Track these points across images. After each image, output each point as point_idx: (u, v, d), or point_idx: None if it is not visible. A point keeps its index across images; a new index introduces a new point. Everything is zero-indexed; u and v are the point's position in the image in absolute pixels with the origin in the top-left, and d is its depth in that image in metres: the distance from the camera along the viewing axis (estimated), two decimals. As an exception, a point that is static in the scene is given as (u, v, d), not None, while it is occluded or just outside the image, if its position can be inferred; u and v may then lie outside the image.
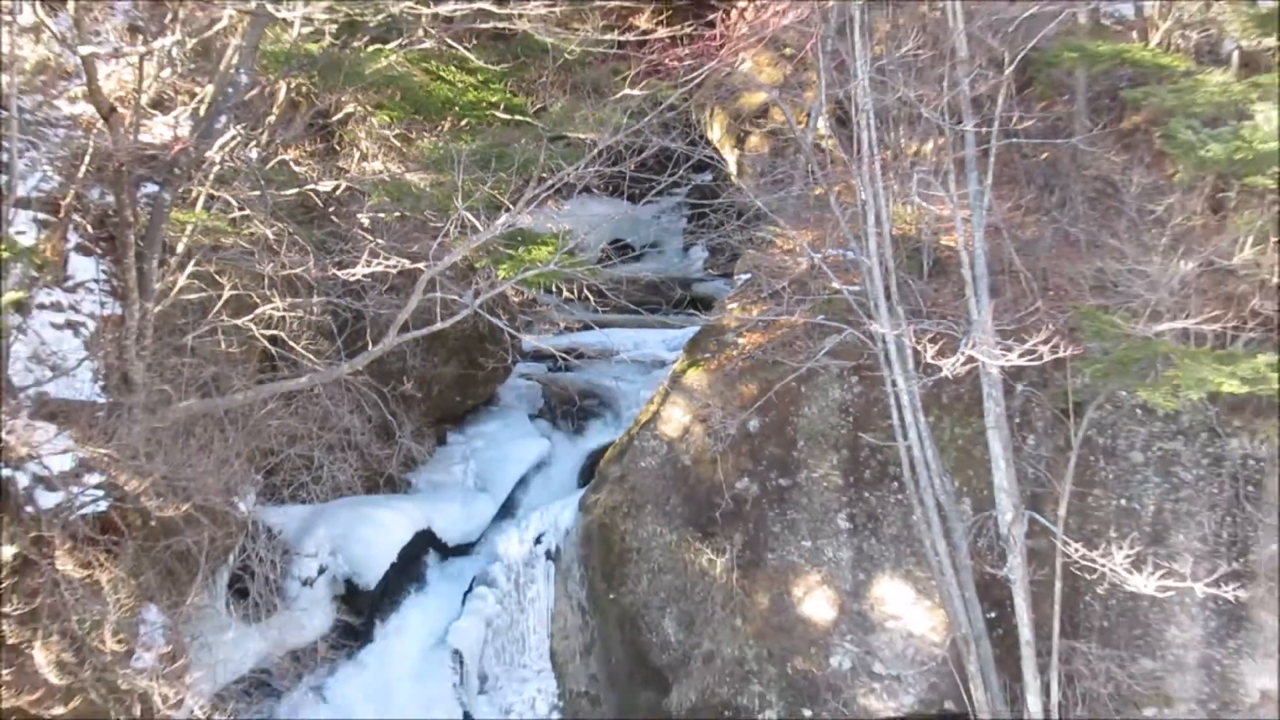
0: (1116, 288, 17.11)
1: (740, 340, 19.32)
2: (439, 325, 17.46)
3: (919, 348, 16.76)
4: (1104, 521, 17.53)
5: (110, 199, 17.15)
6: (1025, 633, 17.05)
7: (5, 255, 14.89)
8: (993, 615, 17.43)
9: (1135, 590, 16.57)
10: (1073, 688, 17.51)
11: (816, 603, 18.38)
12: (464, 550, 20.40)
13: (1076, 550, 16.79)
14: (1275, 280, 17.58)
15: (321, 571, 19.35)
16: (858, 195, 17.21)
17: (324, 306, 17.57)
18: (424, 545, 20.13)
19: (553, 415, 22.46)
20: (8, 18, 15.83)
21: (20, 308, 16.10)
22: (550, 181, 17.80)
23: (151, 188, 17.02)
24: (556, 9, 17.61)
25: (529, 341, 20.85)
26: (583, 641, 19.48)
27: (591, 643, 19.48)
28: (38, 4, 16.78)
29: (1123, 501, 17.71)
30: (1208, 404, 17.04)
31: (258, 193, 17.60)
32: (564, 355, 22.76)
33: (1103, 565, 16.59)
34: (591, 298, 19.59)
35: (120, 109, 16.82)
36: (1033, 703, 17.13)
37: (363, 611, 19.56)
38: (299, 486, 19.37)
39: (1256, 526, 17.49)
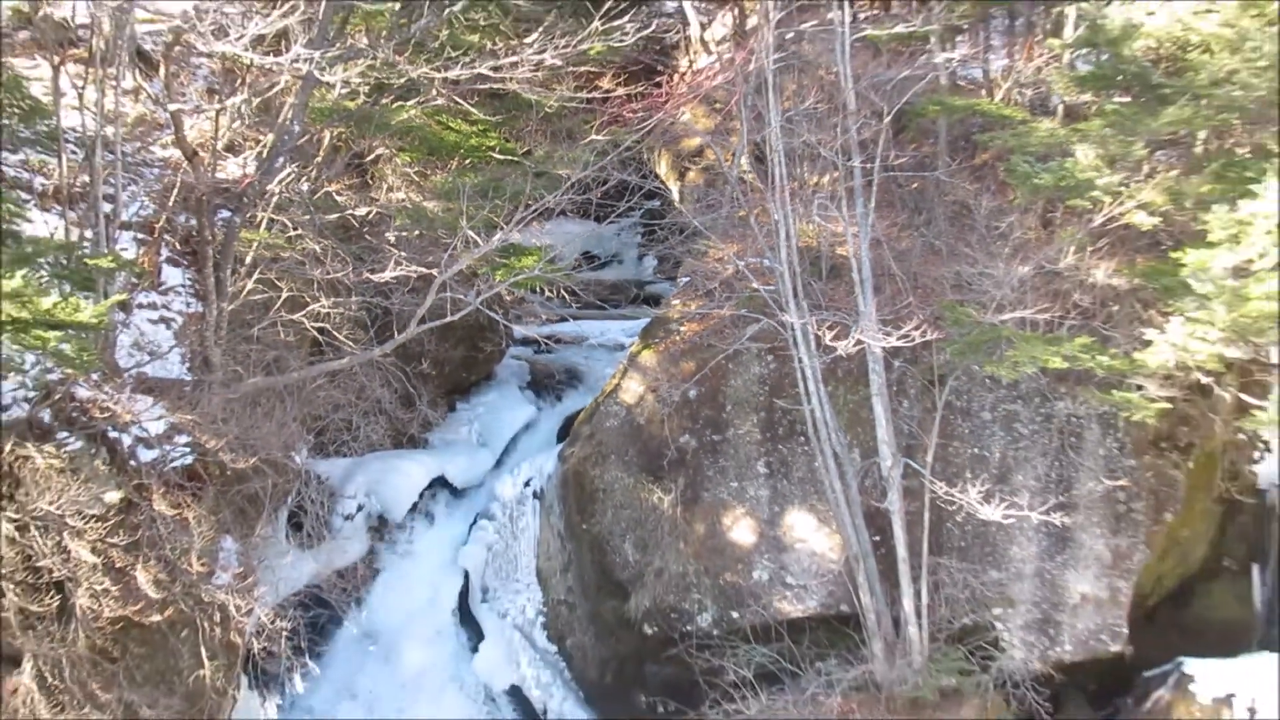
0: (970, 286, 17.28)
1: (682, 328, 19.50)
2: (449, 318, 17.56)
3: (819, 333, 16.94)
4: (961, 465, 17.69)
5: (193, 222, 17.25)
6: (901, 551, 17.22)
7: (111, 266, 14.96)
8: (876, 539, 17.52)
9: (985, 518, 16.83)
10: (938, 593, 17.66)
11: (741, 530, 18.50)
12: (469, 492, 20.44)
13: (940, 488, 17.00)
14: (1093, 280, 17.83)
15: (359, 509, 19.48)
16: (772, 216, 17.31)
17: (359, 304, 17.70)
18: (439, 488, 20.21)
19: (537, 388, 22.54)
20: (112, 82, 15.86)
21: (124, 307, 16.20)
22: (534, 207, 17.89)
23: (225, 213, 17.09)
24: (539, 74, 17.68)
25: (519, 330, 21.00)
26: (562, 561, 19.60)
27: (569, 562, 19.58)
28: (136, 71, 16.85)
29: (975, 450, 17.94)
30: (1040, 375, 17.25)
31: (307, 217, 17.70)
32: (546, 341, 22.97)
33: (960, 499, 16.83)
34: (567, 296, 19.74)
35: (200, 153, 16.88)
36: (907, 604, 17.31)
37: (392, 539, 19.66)
38: (341, 444, 19.50)
39: (1077, 469, 17.76)
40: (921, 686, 17.34)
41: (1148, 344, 16.36)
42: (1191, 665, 17.76)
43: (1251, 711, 17.38)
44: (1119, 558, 17.67)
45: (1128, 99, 17.45)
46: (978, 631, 17.83)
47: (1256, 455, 18.82)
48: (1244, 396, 17.65)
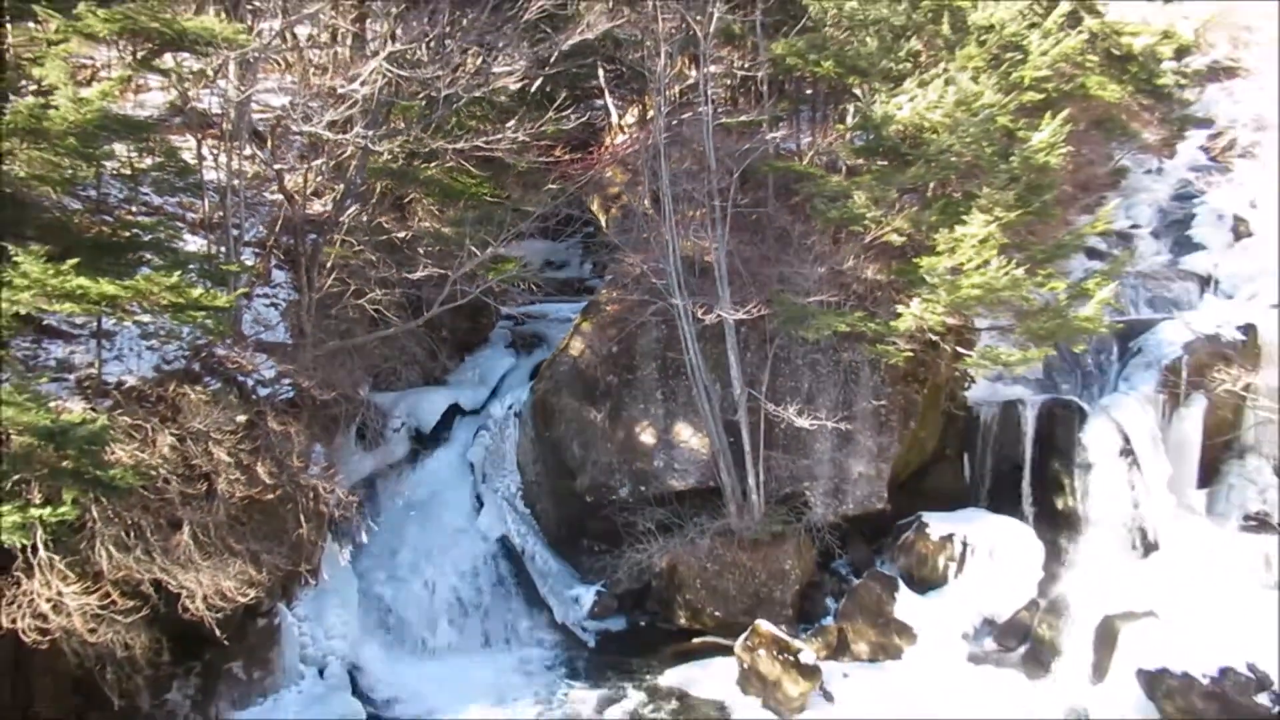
0: (789, 281, 17.33)
1: (608, 308, 19.36)
2: (459, 302, 17.44)
3: (694, 310, 17.01)
4: (784, 393, 17.61)
5: (291, 241, 16.96)
6: (747, 447, 17.32)
7: (237, 270, 14.79)
8: (731, 439, 17.52)
9: (799, 426, 16.97)
10: (770, 473, 17.73)
11: (646, 435, 18.48)
12: (475, 413, 20.26)
13: (771, 407, 17.14)
14: (865, 276, 17.96)
15: (403, 425, 19.25)
16: (664, 237, 17.28)
17: (401, 294, 17.46)
18: (454, 411, 20.01)
19: (517, 346, 22.34)
20: (236, 149, 15.59)
21: (247, 296, 15.94)
22: (513, 231, 17.76)
23: (312, 236, 16.78)
24: (515, 145, 17.49)
25: (504, 309, 20.82)
26: (532, 456, 19.46)
27: (537, 457, 19.45)
28: (252, 143, 16.54)
29: (793, 384, 17.89)
30: (832, 336, 17.25)
31: (366, 238, 17.42)
32: (522, 316, 22.82)
33: (783, 415, 16.98)
34: (535, 288, 19.58)
35: (296, 196, 16.57)
36: (750, 481, 17.42)
37: (424, 444, 19.53)
38: (390, 383, 19.34)
39: (856, 395, 17.85)
40: (760, 532, 17.56)
41: (899, 316, 16.61)
42: (927, 516, 18.12)
43: (964, 543, 17.75)
44: (881, 450, 17.87)
45: (885, 162, 17.62)
46: (795, 497, 17.98)
47: (966, 385, 19.10)
48: (959, 349, 17.91)
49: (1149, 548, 17.50)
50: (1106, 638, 15.99)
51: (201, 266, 13.87)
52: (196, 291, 12.19)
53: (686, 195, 17.87)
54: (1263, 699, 13.80)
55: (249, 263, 16.31)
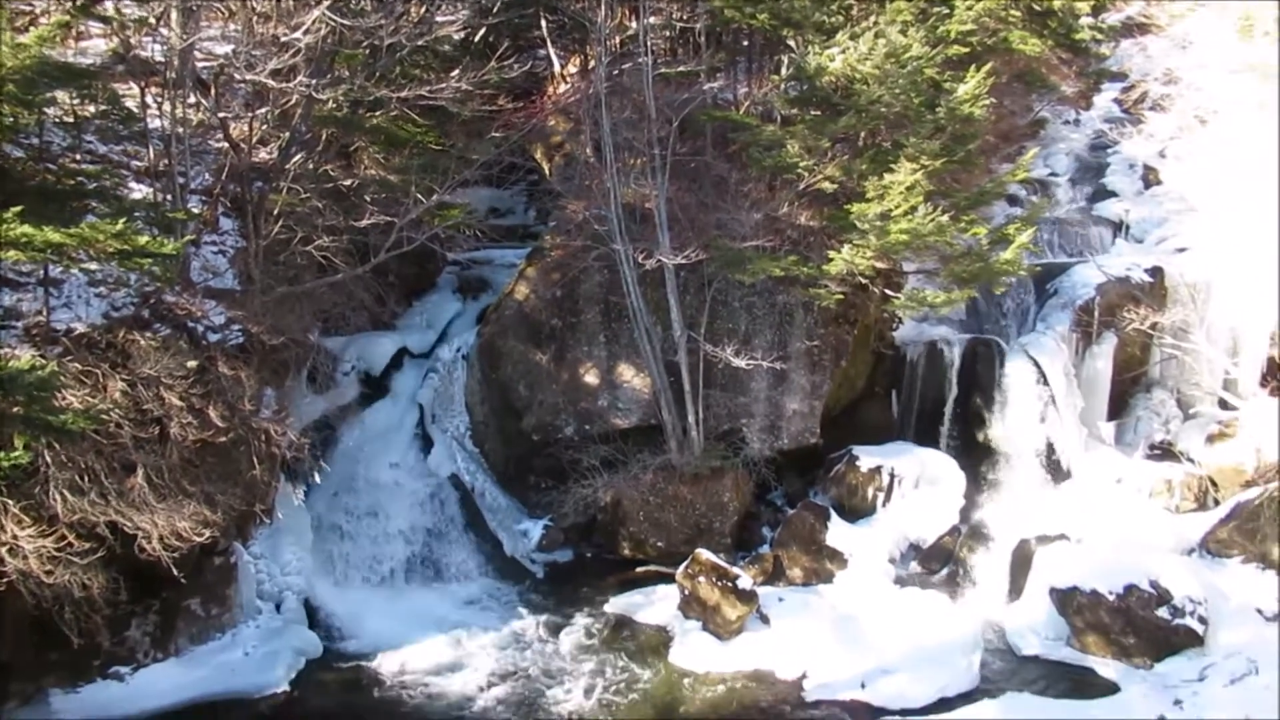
0: (726, 227, 17.35)
1: (552, 254, 19.15)
2: (405, 248, 17.18)
3: (636, 256, 16.95)
4: (722, 335, 17.67)
5: (238, 189, 16.56)
6: (687, 387, 17.42)
7: (184, 218, 14.44)
8: (672, 379, 17.59)
9: (736, 366, 17.09)
10: (709, 411, 17.86)
11: (591, 376, 18.49)
12: (423, 356, 20.01)
13: (709, 348, 17.24)
14: (799, 222, 17.98)
15: (353, 368, 19.03)
16: (605, 184, 17.10)
17: (348, 241, 17.10)
18: (403, 354, 19.80)
19: (463, 291, 21.98)
20: (180, 98, 15.12)
21: (194, 244, 15.57)
22: (457, 179, 17.49)
23: (259, 184, 16.40)
24: (459, 94, 17.18)
25: (451, 255, 20.58)
26: (480, 397, 19.35)
27: (485, 398, 19.35)
28: (196, 91, 16.05)
29: (730, 325, 17.94)
30: (768, 279, 17.34)
31: (313, 185, 17.02)
32: (468, 262, 22.57)
33: (721, 355, 17.08)
34: (480, 234, 19.29)
35: (241, 145, 16.15)
36: (690, 418, 17.58)
37: (374, 387, 19.31)
38: (339, 328, 19.01)
39: (790, 335, 17.98)
40: (699, 467, 17.75)
41: (830, 260, 16.72)
42: (857, 450, 18.42)
43: (891, 474, 18.12)
44: (814, 388, 18.07)
45: (818, 112, 17.60)
46: (733, 434, 18.18)
47: (894, 326, 19.37)
48: (887, 291, 18.12)
49: (1062, 476, 18.03)
50: (1022, 560, 16.51)
51: (148, 214, 13.53)
52: (143, 239, 11.88)
53: (627, 144, 17.74)
54: (1163, 612, 14.36)
55: (195, 210, 15.89)
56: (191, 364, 13.55)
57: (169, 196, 15.00)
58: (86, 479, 12.23)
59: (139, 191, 15.00)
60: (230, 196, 16.89)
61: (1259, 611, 14.86)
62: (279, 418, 15.06)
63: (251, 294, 15.56)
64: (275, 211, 16.17)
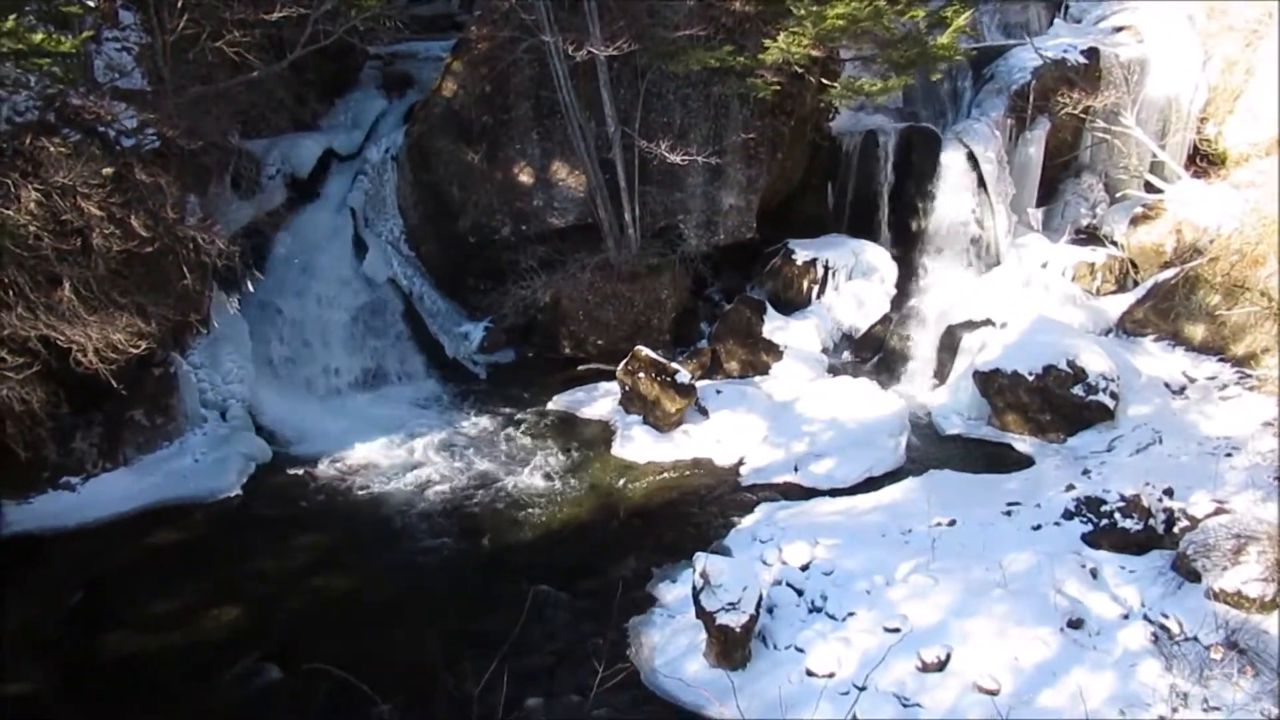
0: (659, 14, 16.76)
1: (479, 46, 18.33)
2: (322, 43, 16.33)
3: (566, 47, 16.37)
4: (656, 130, 17.30)
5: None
6: (622, 184, 17.32)
7: (79, 11, 13.55)
8: (607, 176, 17.44)
9: (672, 161, 16.92)
10: (645, 208, 17.85)
11: (525, 175, 18.22)
12: (351, 158, 19.39)
13: (644, 144, 17.01)
14: (734, 8, 17.38)
15: (278, 171, 18.39)
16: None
17: (261, 35, 16.15)
18: (330, 156, 19.18)
19: (388, 88, 21.02)
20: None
21: (94, 40, 14.67)
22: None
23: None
24: None
25: (372, 50, 19.72)
26: (413, 200, 18.88)
27: (418, 200, 18.91)
28: None
29: (665, 120, 17.57)
30: (703, 70, 16.83)
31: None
32: (391, 56, 21.62)
33: (657, 151, 16.87)
34: (401, 25, 18.40)
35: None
36: (627, 216, 17.58)
37: (301, 191, 18.79)
38: (260, 129, 18.23)
39: (726, 129, 17.69)
40: (637, 264, 17.94)
41: (766, 49, 16.34)
42: (793, 243, 18.71)
43: (826, 266, 18.47)
44: (750, 182, 18.03)
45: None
46: (669, 230, 18.25)
47: (831, 116, 19.20)
48: (823, 80, 17.86)
49: (991, 262, 18.53)
50: (949, 345, 17.24)
51: (40, 8, 12.65)
52: (38, 36, 11.20)
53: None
54: (1078, 390, 15.21)
55: (91, 3, 14.84)
56: (107, 171, 13.06)
57: (61, -12, 13.97)
58: (11, 293, 12.03)
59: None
60: (127, -14, 15.78)
61: (1166, 385, 15.85)
62: (205, 225, 14.67)
63: (163, 94, 14.84)
64: (179, 3, 15.16)
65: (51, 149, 12.83)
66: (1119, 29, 19.77)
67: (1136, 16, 19.72)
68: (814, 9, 15.51)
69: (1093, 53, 18.79)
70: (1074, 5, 20.87)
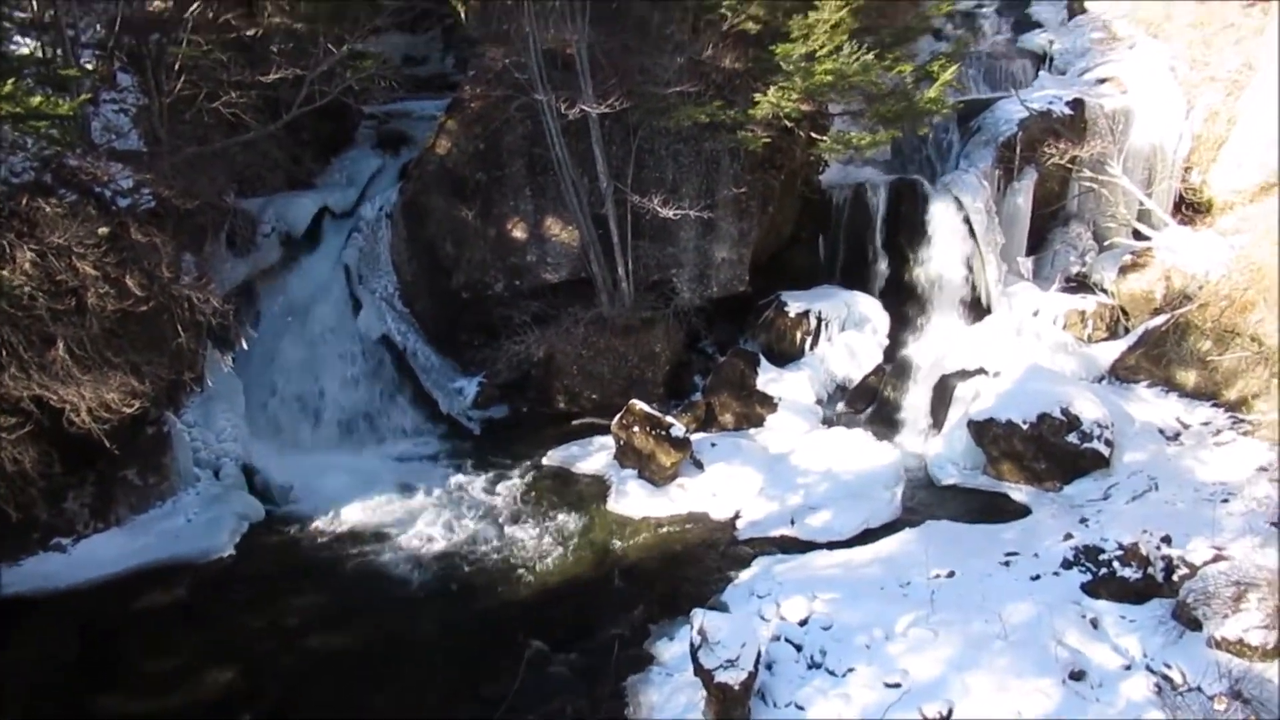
0: (649, 72, 17.04)
1: (473, 105, 18.65)
2: (318, 103, 16.70)
3: (559, 105, 16.62)
4: (649, 185, 17.56)
5: (134, 41, 15.74)
6: (615, 239, 17.52)
7: (77, 74, 13.76)
8: (600, 232, 17.62)
9: (665, 216, 17.09)
10: (638, 263, 18.01)
11: (519, 231, 18.38)
12: (345, 216, 19.55)
13: (637, 199, 17.20)
14: (724, 65, 17.67)
15: (273, 229, 18.49)
16: (525, 29, 16.64)
17: (257, 97, 16.43)
18: (325, 214, 19.33)
19: (383, 147, 21.39)
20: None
21: (92, 103, 14.88)
22: (369, 26, 16.87)
23: (156, 35, 15.61)
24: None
25: (367, 109, 19.99)
26: (407, 257, 19.04)
27: (412, 257, 19.06)
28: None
29: (657, 175, 17.80)
30: (694, 125, 17.04)
31: (214, 36, 16.25)
32: (386, 115, 21.92)
33: (649, 205, 17.06)
34: (396, 85, 18.68)
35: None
36: (619, 270, 17.73)
37: (296, 249, 18.88)
38: (256, 188, 18.42)
39: (717, 183, 17.89)
40: (630, 318, 18.04)
41: (756, 104, 16.61)
42: (785, 295, 18.83)
43: (818, 317, 18.56)
44: (742, 235, 18.18)
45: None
46: (663, 284, 18.36)
47: (820, 169, 19.42)
48: (813, 134, 18.09)
49: (983, 312, 18.65)
50: (942, 395, 17.28)
51: (38, 71, 12.88)
52: (36, 99, 11.41)
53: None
54: (1072, 438, 15.23)
55: (89, 66, 15.10)
56: (102, 231, 13.20)
57: (59, 51, 14.25)
58: (4, 353, 12.05)
59: (26, 46, 14.18)
60: (126, 50, 16.07)
61: (1160, 432, 15.86)
62: (200, 284, 14.78)
63: (159, 155, 15.04)
64: (176, 65, 15.45)
65: (47, 209, 12.96)
66: (1103, 80, 20.13)
67: (1120, 68, 20.10)
68: (802, 64, 15.79)
69: (1078, 104, 19.12)
70: (1059, 57, 21.26)
